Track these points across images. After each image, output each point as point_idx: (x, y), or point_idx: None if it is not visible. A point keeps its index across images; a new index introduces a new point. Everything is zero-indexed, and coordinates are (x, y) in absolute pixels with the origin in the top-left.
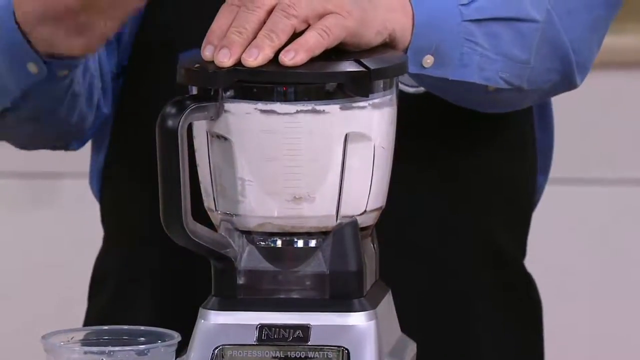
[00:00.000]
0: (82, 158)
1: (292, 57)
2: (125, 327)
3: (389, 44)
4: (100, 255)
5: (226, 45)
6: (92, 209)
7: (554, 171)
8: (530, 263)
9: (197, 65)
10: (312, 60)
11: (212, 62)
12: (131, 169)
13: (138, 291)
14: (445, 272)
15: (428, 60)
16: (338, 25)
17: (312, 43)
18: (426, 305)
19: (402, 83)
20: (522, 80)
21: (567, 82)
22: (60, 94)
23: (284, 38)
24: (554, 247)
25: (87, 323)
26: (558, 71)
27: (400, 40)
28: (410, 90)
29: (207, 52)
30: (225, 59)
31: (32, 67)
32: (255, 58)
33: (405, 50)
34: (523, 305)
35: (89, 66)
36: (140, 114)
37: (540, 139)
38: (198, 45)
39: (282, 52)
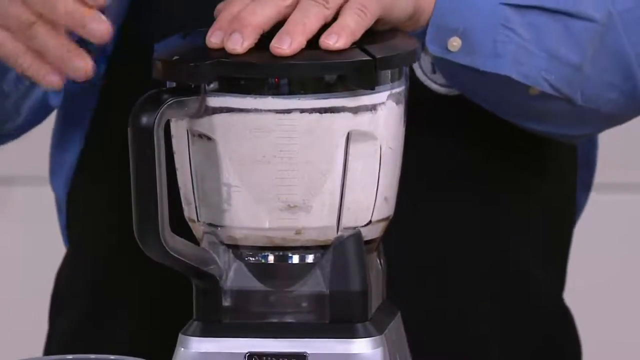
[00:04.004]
0: (34, 161)
1: (335, 41)
2: (92, 356)
3: (402, 24)
4: (63, 269)
5: (237, 28)
6: (48, 217)
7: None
8: (567, 290)
9: (175, 58)
10: (309, 48)
11: (193, 53)
12: (112, 168)
13: (108, 313)
14: (462, 295)
15: (454, 42)
16: (372, 1)
17: (353, 25)
18: (441, 331)
19: (432, 82)
20: (574, 90)
21: (637, 104)
22: None
23: (316, 26)
24: (593, 268)
25: (48, 349)
26: (620, 89)
27: (425, 11)
28: (442, 90)
29: (213, 39)
30: (237, 46)
31: None
32: (288, 46)
33: (426, 25)
34: (560, 349)
35: None
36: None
37: (583, 152)
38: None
39: (324, 35)
